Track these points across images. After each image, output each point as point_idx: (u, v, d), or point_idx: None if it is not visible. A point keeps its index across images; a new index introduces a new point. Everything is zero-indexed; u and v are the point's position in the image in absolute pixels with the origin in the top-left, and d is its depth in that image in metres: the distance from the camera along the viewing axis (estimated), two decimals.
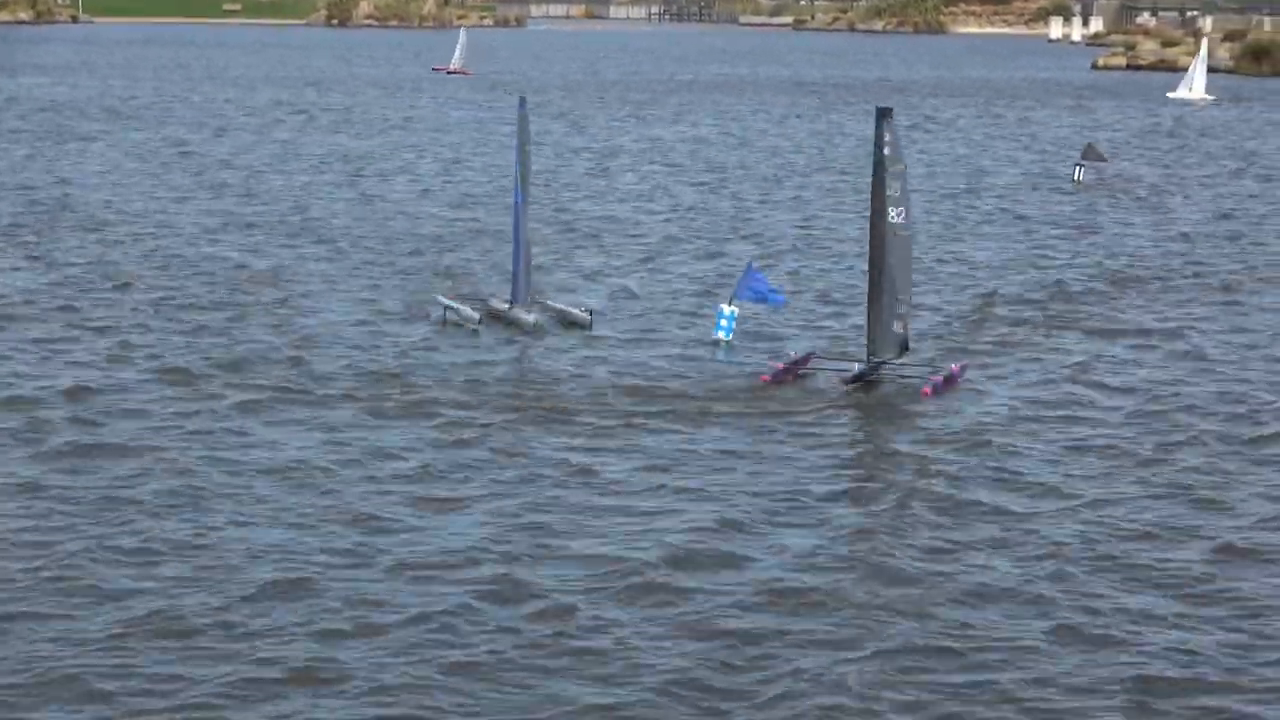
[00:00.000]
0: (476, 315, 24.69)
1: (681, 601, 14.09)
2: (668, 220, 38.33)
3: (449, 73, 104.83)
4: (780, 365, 22.47)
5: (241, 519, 16.05)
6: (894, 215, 21.89)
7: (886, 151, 21.75)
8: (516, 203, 24.74)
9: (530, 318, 24.48)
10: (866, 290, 22.41)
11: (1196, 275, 31.37)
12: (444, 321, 24.83)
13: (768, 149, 58.00)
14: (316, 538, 15.53)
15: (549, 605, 13.92)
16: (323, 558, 14.99)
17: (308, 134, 60.12)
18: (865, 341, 22.44)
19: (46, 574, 14.50)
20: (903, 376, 22.21)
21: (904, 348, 22.26)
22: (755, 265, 24.70)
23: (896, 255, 22.03)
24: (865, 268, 31.15)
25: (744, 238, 36.02)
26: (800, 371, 22.41)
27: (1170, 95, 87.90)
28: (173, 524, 15.81)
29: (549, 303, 25.73)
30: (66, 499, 16.58)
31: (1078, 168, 46.68)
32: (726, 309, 23.09)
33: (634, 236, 35.70)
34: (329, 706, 12.08)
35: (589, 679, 12.55)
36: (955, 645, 13.26)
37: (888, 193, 21.82)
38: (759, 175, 48.99)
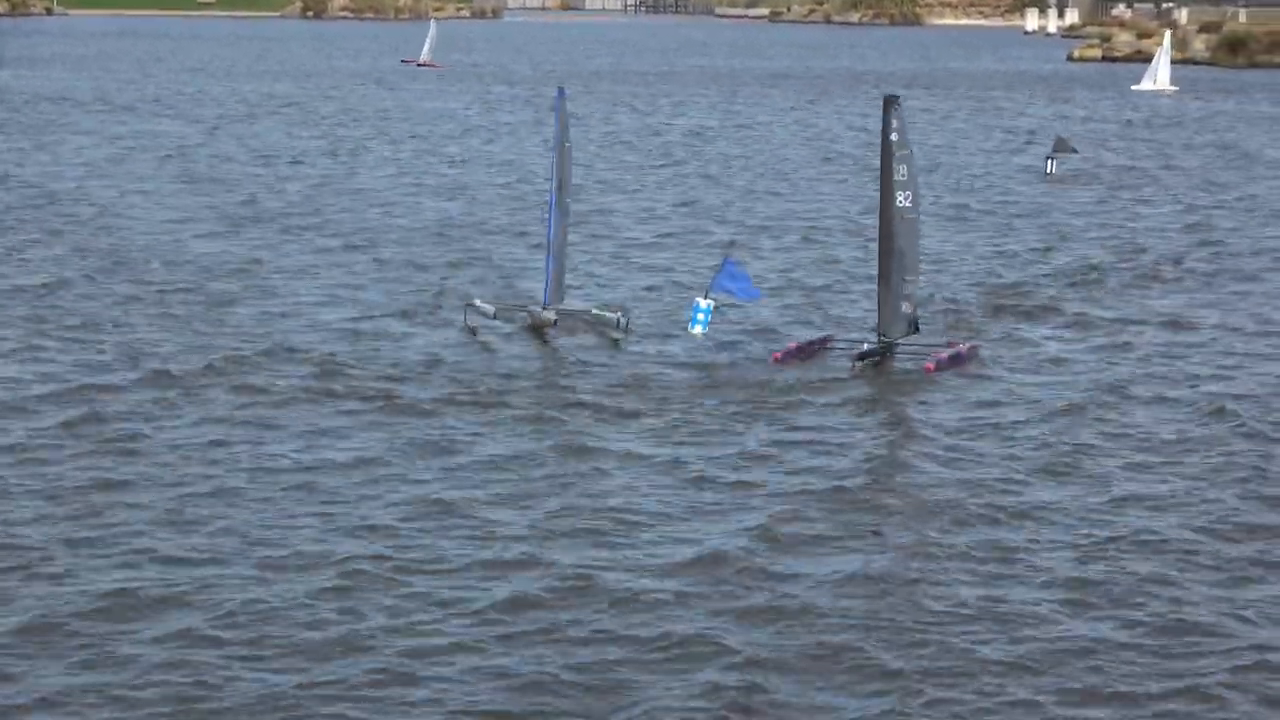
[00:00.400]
0: (492, 309, 24.08)
1: (709, 603, 13.97)
2: (672, 210, 38.71)
3: (419, 65, 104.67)
4: (793, 345, 22.97)
5: (301, 514, 15.90)
6: (901, 199, 22.38)
7: (894, 137, 22.25)
8: (551, 203, 23.70)
9: (550, 315, 23.73)
10: (876, 272, 22.82)
11: (1175, 265, 31.70)
12: (465, 322, 24.16)
13: (760, 139, 58.50)
14: (365, 536, 15.35)
15: (574, 613, 13.67)
16: (371, 558, 14.78)
17: (286, 126, 60.08)
18: (876, 322, 22.91)
19: (64, 577, 14.20)
20: (910, 354, 22.66)
21: (914, 327, 22.77)
22: (732, 259, 24.18)
23: (904, 237, 22.52)
24: (865, 253, 32.05)
25: (743, 225, 36.46)
26: (811, 351, 22.87)
27: (1134, 88, 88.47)
28: (225, 524, 15.63)
29: (578, 305, 24.84)
30: (86, 500, 16.24)
31: (1049, 160, 47.23)
32: (703, 302, 22.77)
33: (638, 227, 36.09)
34: (405, 703, 11.99)
35: (601, 684, 12.39)
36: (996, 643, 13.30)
37: (895, 177, 22.32)
38: (756, 165, 49.43)
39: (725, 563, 14.80)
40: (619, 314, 24.31)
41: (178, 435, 18.57)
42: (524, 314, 24.39)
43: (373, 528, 15.57)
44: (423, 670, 12.51)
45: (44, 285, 27.35)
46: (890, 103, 22.38)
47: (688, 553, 15.06)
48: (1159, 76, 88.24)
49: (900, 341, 22.83)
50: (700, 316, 22.46)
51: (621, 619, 13.49)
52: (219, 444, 18.24)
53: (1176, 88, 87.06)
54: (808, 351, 22.88)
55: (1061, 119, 68.51)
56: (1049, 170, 46.69)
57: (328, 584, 14.07)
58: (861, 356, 22.48)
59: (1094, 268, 30.94)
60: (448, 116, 66.45)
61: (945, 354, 22.59)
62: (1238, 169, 50.17)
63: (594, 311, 24.55)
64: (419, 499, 16.47)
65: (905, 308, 22.76)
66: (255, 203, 38.51)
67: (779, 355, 22.59)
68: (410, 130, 59.38)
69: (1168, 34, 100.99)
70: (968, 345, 23.28)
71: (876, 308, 22.95)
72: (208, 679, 12.26)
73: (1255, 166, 51.09)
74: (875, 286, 23.41)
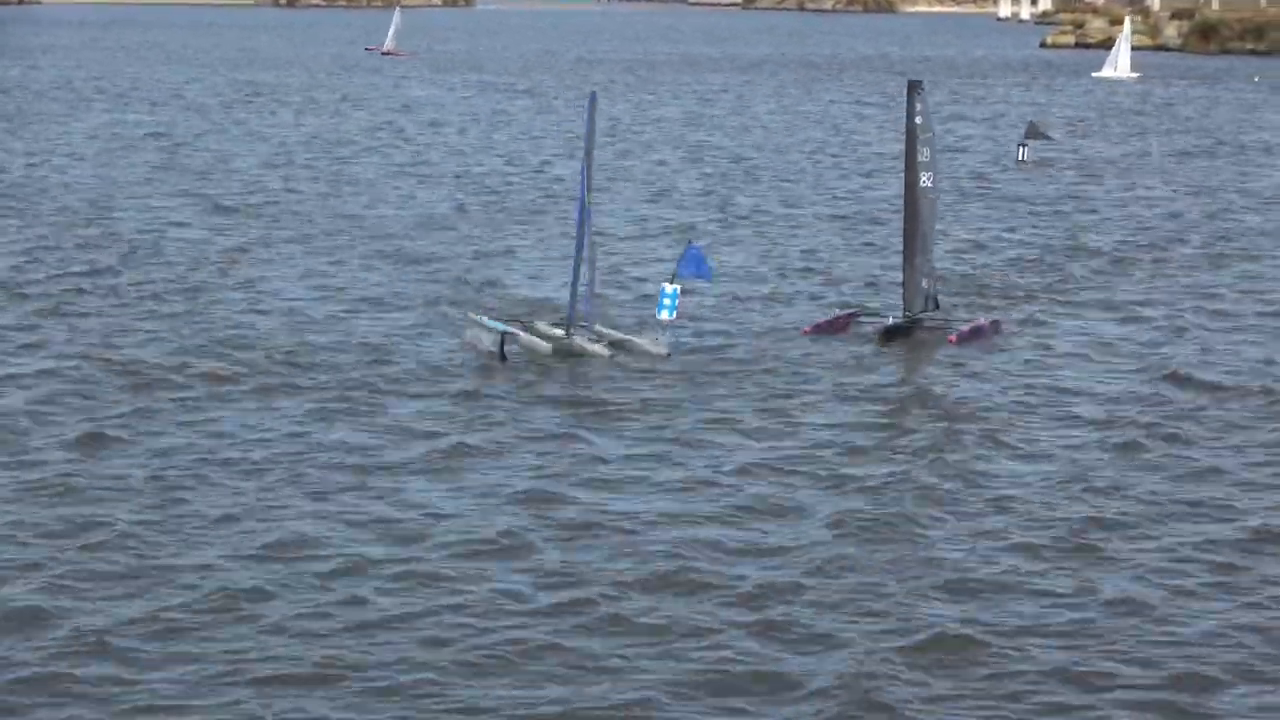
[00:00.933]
0: (548, 346, 21.74)
1: (723, 582, 13.99)
2: (682, 196, 39.43)
3: (383, 53, 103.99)
4: (822, 319, 23.84)
5: (297, 511, 15.59)
6: (925, 179, 23.24)
7: (918, 121, 23.08)
8: (581, 207, 22.05)
9: (604, 350, 21.79)
10: (899, 250, 23.66)
11: (1164, 250, 32.19)
12: (501, 353, 21.43)
13: (756, 126, 59.22)
14: (366, 533, 15.04)
15: (581, 592, 13.66)
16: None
17: (270, 115, 59.67)
18: (901, 298, 23.78)
19: (66, 567, 14.04)
20: (934, 329, 23.52)
21: (933, 303, 23.68)
22: (695, 243, 24.06)
23: (926, 216, 23.39)
24: (866, 235, 32.94)
25: (748, 211, 37.21)
26: (839, 325, 23.71)
27: (1095, 74, 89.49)
28: (220, 518, 15.37)
29: (616, 332, 22.67)
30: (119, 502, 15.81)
31: (1021, 147, 47.78)
32: (668, 288, 22.57)
33: (642, 214, 36.73)
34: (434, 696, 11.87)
35: (600, 671, 12.31)
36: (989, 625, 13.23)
37: (919, 159, 23.16)
38: (747, 152, 50.14)
39: (753, 553, 14.69)
40: (660, 344, 22.31)
41: (169, 428, 18.19)
42: (561, 345, 22.03)
43: (375, 525, 15.23)
44: (447, 674, 12.24)
45: (30, 276, 26.89)
46: (914, 87, 23.22)
47: (716, 541, 14.99)
48: (1120, 63, 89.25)
49: (924, 316, 23.69)
50: (666, 302, 22.38)
51: (649, 616, 13.26)
52: (217, 437, 17.89)
53: (1138, 74, 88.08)
54: (836, 325, 23.71)
55: (1029, 105, 69.31)
56: (1020, 157, 47.32)
57: (329, 581, 13.82)
58: (887, 330, 23.32)
59: (1084, 249, 31.65)
60: (431, 105, 66.29)
61: (967, 328, 23.45)
62: (1201, 153, 51.15)
63: (635, 341, 22.46)
64: (437, 498, 16.08)
65: (924, 284, 23.64)
66: (242, 193, 37.87)
67: (809, 329, 23.45)
68: (392, 119, 58.91)
69: (1128, 20, 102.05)
70: (989, 320, 24.15)
71: (902, 284, 23.77)
72: (212, 677, 12.02)
73: (1214, 150, 52.13)
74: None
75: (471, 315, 22.89)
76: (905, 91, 23.50)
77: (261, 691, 11.82)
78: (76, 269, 27.78)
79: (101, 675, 12.03)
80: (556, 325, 22.45)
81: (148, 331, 23.05)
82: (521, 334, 21.94)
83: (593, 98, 22.43)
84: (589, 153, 22.01)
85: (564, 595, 13.61)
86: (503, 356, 21.38)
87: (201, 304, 25.03)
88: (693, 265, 22.41)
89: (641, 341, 22.27)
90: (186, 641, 12.61)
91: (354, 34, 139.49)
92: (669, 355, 21.82)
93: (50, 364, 21.01)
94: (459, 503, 15.90)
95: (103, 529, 14.96)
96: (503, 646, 12.62)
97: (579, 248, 22.07)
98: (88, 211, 34.60)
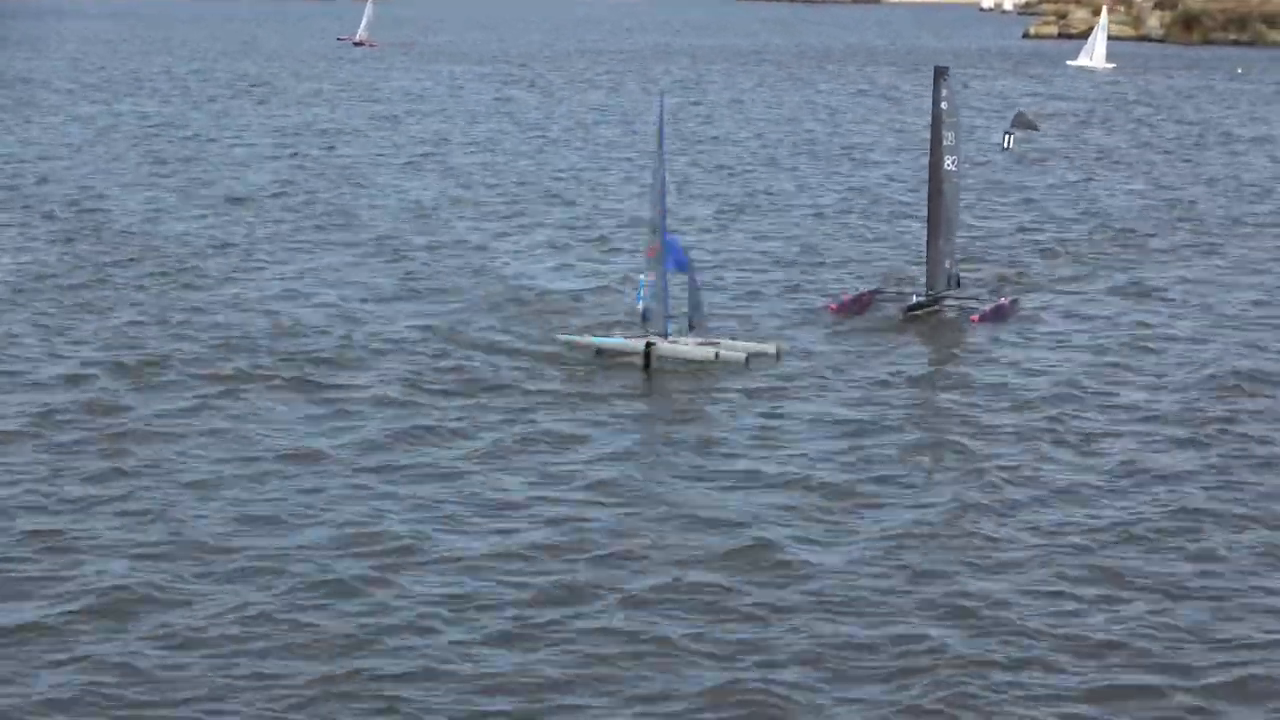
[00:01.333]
0: (710, 353, 21.35)
1: (770, 572, 14.10)
2: (703, 186, 40.15)
3: (354, 44, 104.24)
4: (846, 297, 24.93)
5: (299, 507, 15.56)
6: (949, 163, 24.33)
7: (944, 106, 24.14)
8: (663, 206, 21.52)
9: (740, 355, 21.39)
10: (926, 231, 24.77)
11: (1165, 235, 33.16)
12: (647, 363, 21.20)
13: (744, 118, 60.10)
14: (366, 530, 15.00)
15: (614, 594, 13.63)
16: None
17: (270, 110, 59.27)
18: (925, 277, 24.89)
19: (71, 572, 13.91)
20: (955, 307, 24.62)
21: (955, 282, 24.77)
22: (671, 234, 23.15)
23: (950, 198, 24.48)
24: (883, 218, 33.93)
25: (765, 196, 38.16)
26: (864, 303, 24.79)
27: (1070, 64, 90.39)
28: (219, 516, 15.32)
29: (729, 339, 22.14)
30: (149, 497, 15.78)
31: (1007, 135, 48.70)
32: (645, 279, 22.15)
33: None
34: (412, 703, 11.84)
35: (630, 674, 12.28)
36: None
37: (944, 143, 24.24)
38: (751, 142, 51.00)
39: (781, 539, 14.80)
40: (772, 347, 22.06)
41: (167, 425, 18.09)
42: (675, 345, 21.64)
43: (381, 525, 15.10)
44: (445, 667, 12.28)
45: (23, 269, 26.90)
46: (940, 73, 24.28)
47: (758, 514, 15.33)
48: (1095, 53, 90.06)
49: (946, 295, 24.78)
50: (644, 293, 22.20)
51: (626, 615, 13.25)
52: (218, 433, 17.83)
53: (1113, 65, 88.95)
54: (861, 302, 24.79)
55: (1014, 95, 70.16)
56: (1005, 145, 48.26)
57: (325, 579, 13.77)
58: (911, 309, 24.39)
59: (1082, 235, 32.63)
60: (425, 97, 66.25)
61: (989, 307, 24.54)
62: (1192, 143, 52.23)
63: (748, 346, 21.91)
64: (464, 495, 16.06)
65: (947, 264, 24.73)
66: (242, 187, 37.66)
67: (835, 306, 24.53)
68: (394, 113, 58.52)
69: (1104, 10, 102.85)
70: (1009, 300, 25.25)
71: (926, 264, 24.84)
72: (207, 677, 11.98)
73: (1201, 140, 53.24)
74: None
75: (563, 337, 22.46)
76: (932, 77, 24.53)
77: (307, 692, 11.77)
78: (78, 266, 27.40)
79: (122, 682, 11.92)
80: (661, 335, 21.77)
81: (172, 326, 22.95)
82: (663, 343, 21.46)
83: (661, 100, 22.24)
84: (661, 160, 21.37)
85: (590, 603, 13.53)
86: (647, 366, 21.14)
87: (221, 299, 24.88)
88: (670, 256, 22.28)
89: (751, 344, 21.94)
90: (228, 642, 12.50)
91: (345, 27, 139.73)
92: (779, 356, 21.67)
93: (50, 362, 20.79)
94: (473, 504, 15.76)
95: (119, 532, 14.81)
96: (576, 639, 12.69)
97: (661, 255, 21.60)
98: (90, 207, 34.08)
